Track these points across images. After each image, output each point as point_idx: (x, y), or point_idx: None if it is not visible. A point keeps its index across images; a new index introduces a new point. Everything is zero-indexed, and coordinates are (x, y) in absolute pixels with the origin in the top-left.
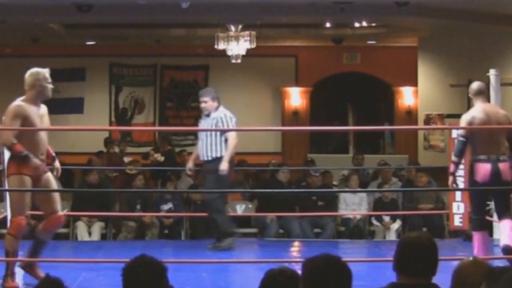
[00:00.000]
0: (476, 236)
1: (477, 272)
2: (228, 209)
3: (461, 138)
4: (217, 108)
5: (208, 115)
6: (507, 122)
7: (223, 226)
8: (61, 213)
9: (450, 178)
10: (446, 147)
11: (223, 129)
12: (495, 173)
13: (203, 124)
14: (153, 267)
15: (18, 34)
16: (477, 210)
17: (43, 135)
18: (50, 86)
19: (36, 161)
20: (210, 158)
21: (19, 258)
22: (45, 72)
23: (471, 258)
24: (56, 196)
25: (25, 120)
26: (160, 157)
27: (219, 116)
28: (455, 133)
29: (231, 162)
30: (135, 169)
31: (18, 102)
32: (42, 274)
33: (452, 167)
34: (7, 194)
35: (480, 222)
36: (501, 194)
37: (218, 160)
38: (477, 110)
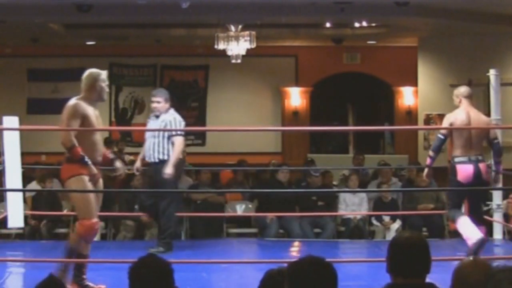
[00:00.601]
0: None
1: (477, 271)
2: (176, 216)
3: (441, 136)
4: (167, 110)
5: (157, 116)
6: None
7: (169, 232)
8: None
9: (426, 170)
10: (446, 147)
11: (227, 129)
12: (477, 174)
13: (152, 125)
14: (160, 267)
15: (18, 34)
16: (455, 206)
17: (100, 136)
18: (107, 89)
19: (93, 168)
20: (157, 160)
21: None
22: (104, 73)
23: (471, 258)
24: (99, 203)
25: (84, 119)
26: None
27: (168, 119)
28: None
29: (177, 166)
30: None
31: (76, 100)
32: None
33: (428, 161)
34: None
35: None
36: (481, 195)
37: (165, 162)
38: (461, 112)
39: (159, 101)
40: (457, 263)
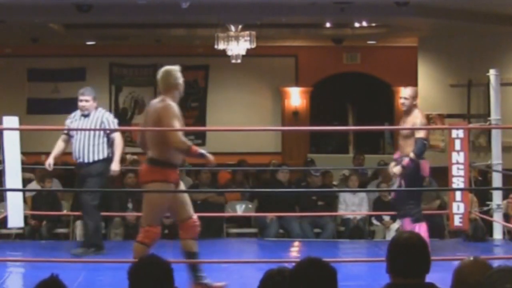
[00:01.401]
0: (423, 227)
1: (477, 271)
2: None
3: (425, 141)
4: (96, 108)
5: (87, 115)
6: None
7: (93, 235)
8: (195, 216)
9: (399, 168)
10: (446, 147)
11: (227, 129)
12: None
13: (82, 124)
14: (160, 267)
15: (18, 34)
16: (419, 203)
17: None
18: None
19: (209, 156)
20: (91, 160)
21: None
22: (179, 69)
23: (471, 258)
24: (189, 200)
25: (178, 120)
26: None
27: (103, 118)
28: (455, 133)
29: (107, 164)
30: (127, 168)
31: (169, 101)
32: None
33: (406, 161)
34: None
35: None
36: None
37: (101, 162)
38: (421, 113)
39: (88, 99)
40: (457, 263)
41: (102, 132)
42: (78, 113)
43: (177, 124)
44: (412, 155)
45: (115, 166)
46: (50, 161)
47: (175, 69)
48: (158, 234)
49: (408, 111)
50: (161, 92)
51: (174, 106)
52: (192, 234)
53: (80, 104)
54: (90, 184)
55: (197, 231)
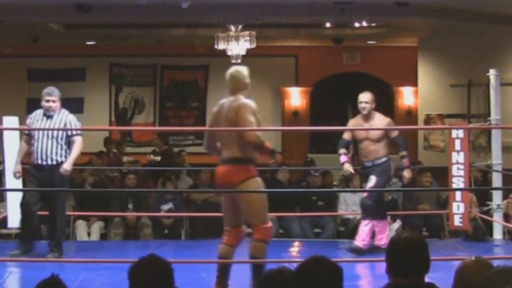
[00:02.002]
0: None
1: (479, 271)
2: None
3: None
4: (60, 110)
5: (50, 116)
6: None
7: (60, 233)
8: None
9: (409, 171)
10: (446, 147)
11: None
12: None
13: (45, 125)
14: (160, 267)
15: (18, 34)
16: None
17: None
18: None
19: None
20: (54, 163)
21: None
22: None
23: (473, 258)
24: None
25: (255, 117)
26: (155, 158)
27: (67, 119)
28: (455, 133)
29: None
30: (128, 169)
31: (244, 99)
32: None
33: (409, 161)
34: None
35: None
36: None
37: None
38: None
39: (55, 100)
40: (457, 263)
41: (64, 135)
42: (39, 112)
43: (254, 121)
44: (405, 153)
45: (67, 166)
46: (18, 169)
47: (245, 69)
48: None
49: (368, 115)
50: (232, 92)
51: (252, 103)
52: (267, 236)
53: (47, 104)
54: (61, 186)
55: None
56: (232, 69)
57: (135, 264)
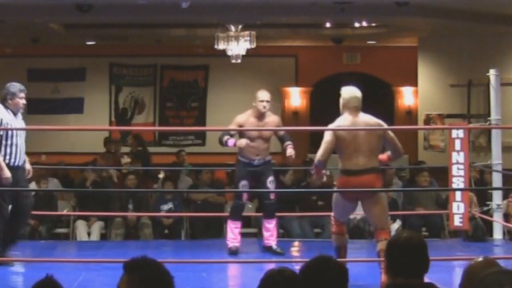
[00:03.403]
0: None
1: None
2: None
3: None
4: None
5: (16, 114)
6: None
7: (20, 237)
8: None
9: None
10: (446, 147)
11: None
12: None
13: (17, 124)
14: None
15: (18, 34)
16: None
17: None
18: None
19: None
20: (23, 162)
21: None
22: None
23: (481, 258)
24: None
25: None
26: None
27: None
28: (455, 133)
29: None
30: (127, 169)
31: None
32: None
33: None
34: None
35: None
36: None
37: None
38: None
39: (24, 97)
40: (457, 263)
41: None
42: (5, 111)
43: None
44: (290, 142)
45: (29, 166)
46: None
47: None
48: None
49: (264, 113)
50: (356, 110)
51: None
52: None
53: (22, 101)
54: (24, 185)
55: None
56: (355, 89)
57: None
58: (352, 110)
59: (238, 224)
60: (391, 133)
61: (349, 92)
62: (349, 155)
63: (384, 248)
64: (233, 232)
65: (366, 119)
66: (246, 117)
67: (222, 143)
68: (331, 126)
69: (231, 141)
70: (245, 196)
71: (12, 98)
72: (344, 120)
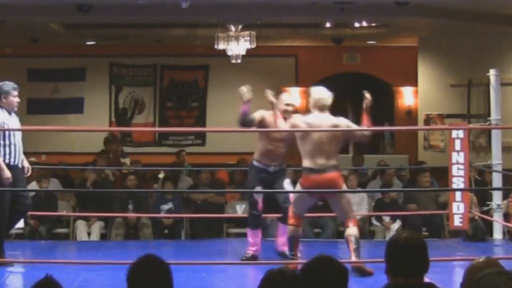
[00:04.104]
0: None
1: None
2: None
3: None
4: None
5: (10, 113)
6: None
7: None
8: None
9: None
10: (446, 147)
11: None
12: None
13: (13, 122)
14: (159, 268)
15: (18, 34)
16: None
17: None
18: None
19: None
20: (21, 162)
21: None
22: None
23: (483, 258)
24: None
25: None
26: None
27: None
28: (455, 133)
29: None
30: (127, 169)
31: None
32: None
33: None
34: None
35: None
36: None
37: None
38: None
39: (18, 95)
40: (457, 263)
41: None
42: (0, 111)
43: None
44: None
45: (27, 164)
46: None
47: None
48: None
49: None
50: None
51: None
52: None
53: (15, 100)
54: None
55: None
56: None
57: (133, 265)
58: (319, 110)
59: (258, 232)
60: (350, 127)
61: (318, 92)
62: (311, 153)
63: (352, 233)
64: (254, 239)
65: (326, 119)
66: (269, 117)
67: (241, 117)
68: (298, 119)
69: (245, 106)
70: (260, 204)
71: (6, 97)
72: (308, 118)
